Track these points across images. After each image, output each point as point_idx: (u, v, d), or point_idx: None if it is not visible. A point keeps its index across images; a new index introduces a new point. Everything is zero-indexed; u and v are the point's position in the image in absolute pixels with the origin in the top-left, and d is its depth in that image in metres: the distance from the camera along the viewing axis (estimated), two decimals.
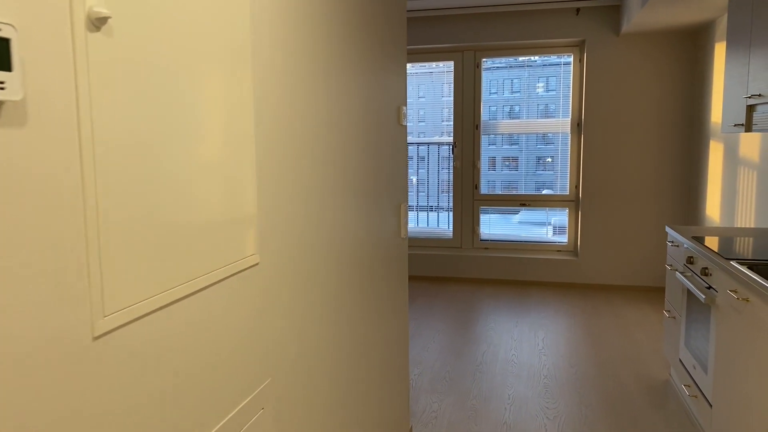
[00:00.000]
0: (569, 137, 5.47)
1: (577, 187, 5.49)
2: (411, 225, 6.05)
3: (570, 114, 5.44)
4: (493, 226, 5.80)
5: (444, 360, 3.70)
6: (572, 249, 5.59)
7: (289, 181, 1.36)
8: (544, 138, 5.61)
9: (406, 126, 2.54)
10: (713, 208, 4.39)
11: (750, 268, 2.25)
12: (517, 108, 5.64)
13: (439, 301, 5.01)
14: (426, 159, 5.94)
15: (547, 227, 5.73)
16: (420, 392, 3.25)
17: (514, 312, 4.67)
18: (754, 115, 2.75)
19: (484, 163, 5.73)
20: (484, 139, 5.71)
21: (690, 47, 4.97)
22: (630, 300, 4.98)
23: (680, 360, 2.99)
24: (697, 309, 2.73)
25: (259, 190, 1.22)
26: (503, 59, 5.59)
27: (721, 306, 2.36)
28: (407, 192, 2.62)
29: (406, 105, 2.53)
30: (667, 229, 3.24)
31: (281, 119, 1.32)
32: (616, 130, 5.20)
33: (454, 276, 5.68)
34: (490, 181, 5.77)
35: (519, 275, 5.54)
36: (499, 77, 5.68)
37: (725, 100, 3.09)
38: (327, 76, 1.58)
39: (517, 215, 5.80)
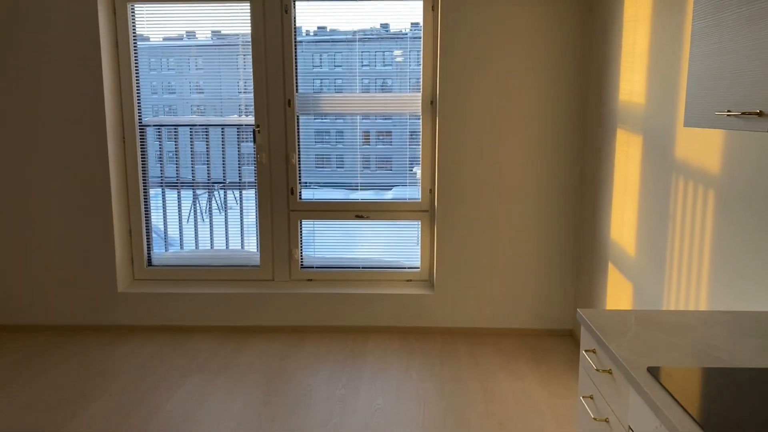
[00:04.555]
0: (420, 120, 3.81)
1: (431, 191, 3.87)
2: (200, 249, 4.12)
3: (421, 87, 3.76)
4: (323, 243, 4.05)
5: None
6: (427, 278, 3.98)
7: None
8: (409, 122, 3.91)
9: None
10: (623, 230, 2.93)
11: None
12: (355, 82, 3.88)
13: (228, 373, 3.18)
14: (216, 145, 4.01)
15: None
16: None
17: (334, 398, 2.96)
18: None
19: (305, 152, 3.92)
20: (309, 122, 3.89)
21: None
22: (508, 358, 3.46)
23: None
24: None
25: None
26: (332, 21, 3.77)
27: None
28: None
29: None
30: (580, 315, 1.64)
31: None
32: (482, 110, 3.61)
33: (263, 324, 3.87)
34: (320, 181, 3.98)
35: (354, 319, 3.85)
36: (328, 50, 3.87)
37: (694, 57, 1.50)
38: None
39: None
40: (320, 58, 3.89)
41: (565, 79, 3.55)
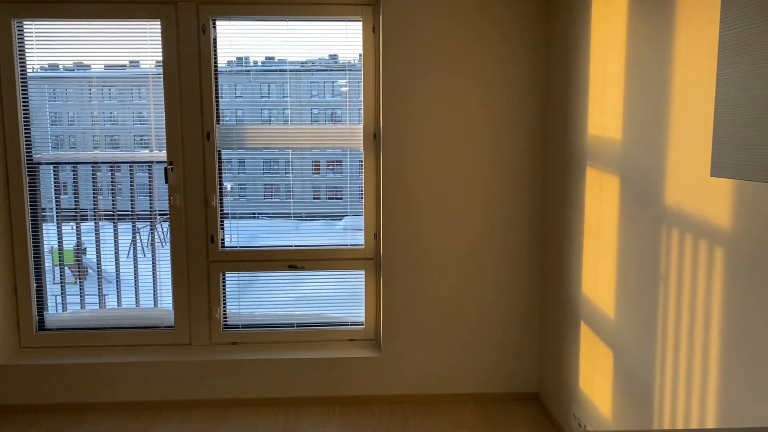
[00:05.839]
0: (362, 156, 3.33)
1: (376, 236, 3.37)
2: (106, 308, 3.47)
3: (362, 119, 3.30)
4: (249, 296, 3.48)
5: None
6: (372, 336, 3.45)
7: None
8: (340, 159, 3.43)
9: None
10: (597, 285, 2.49)
11: None
12: (286, 111, 3.38)
13: None
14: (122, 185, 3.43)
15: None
16: None
17: None
18: None
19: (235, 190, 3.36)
20: (232, 157, 3.36)
21: (545, 3, 3.10)
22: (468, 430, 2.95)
23: None
24: None
25: None
26: (256, 29, 3.28)
27: None
28: None
29: None
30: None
31: None
32: (431, 145, 3.16)
33: (178, 399, 3.24)
34: (246, 224, 3.43)
35: (287, 389, 3.28)
36: (263, 80, 3.37)
37: (724, 80, 1.07)
38: None
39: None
40: (268, 89, 3.40)
41: (524, 110, 3.15)
